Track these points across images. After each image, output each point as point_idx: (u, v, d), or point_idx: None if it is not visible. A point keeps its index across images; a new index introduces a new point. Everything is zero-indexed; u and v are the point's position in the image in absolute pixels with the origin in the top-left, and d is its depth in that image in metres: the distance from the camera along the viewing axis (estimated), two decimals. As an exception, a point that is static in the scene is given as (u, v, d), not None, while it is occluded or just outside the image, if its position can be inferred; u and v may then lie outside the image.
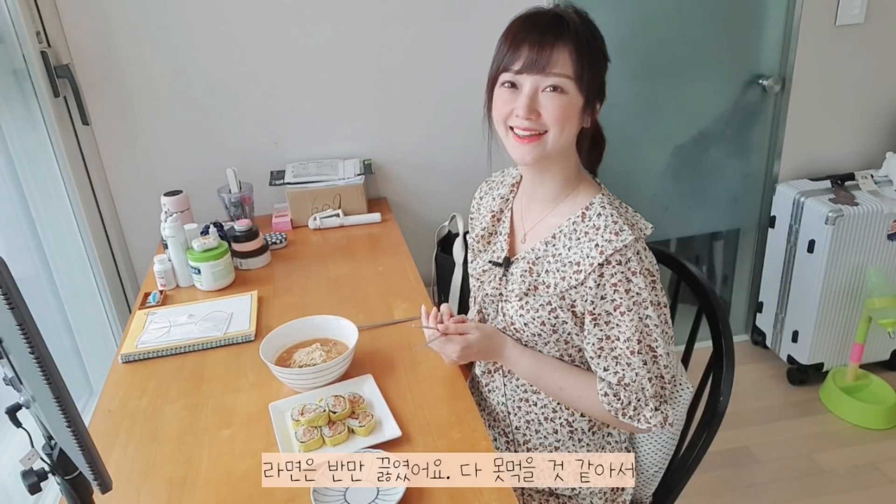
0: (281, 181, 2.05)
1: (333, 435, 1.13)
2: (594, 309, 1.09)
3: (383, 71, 2.11)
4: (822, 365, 2.45)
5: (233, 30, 1.99)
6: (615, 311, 1.08)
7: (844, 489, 2.05)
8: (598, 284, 1.07)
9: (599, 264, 1.07)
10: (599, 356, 1.12)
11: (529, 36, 1.07)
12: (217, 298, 1.63)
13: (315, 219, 2.02)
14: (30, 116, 1.78)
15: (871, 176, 2.36)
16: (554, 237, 1.15)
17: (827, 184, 2.38)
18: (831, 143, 2.48)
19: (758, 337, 2.69)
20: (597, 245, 1.08)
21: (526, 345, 1.21)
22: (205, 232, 1.74)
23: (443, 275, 2.16)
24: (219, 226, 1.85)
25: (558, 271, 1.13)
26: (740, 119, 2.43)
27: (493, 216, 1.29)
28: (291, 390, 1.28)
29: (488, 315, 1.27)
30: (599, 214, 1.11)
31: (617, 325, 1.09)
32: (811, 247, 2.29)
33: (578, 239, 1.11)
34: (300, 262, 1.83)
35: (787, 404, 2.42)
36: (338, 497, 1.04)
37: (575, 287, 1.10)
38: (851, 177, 2.38)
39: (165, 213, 1.72)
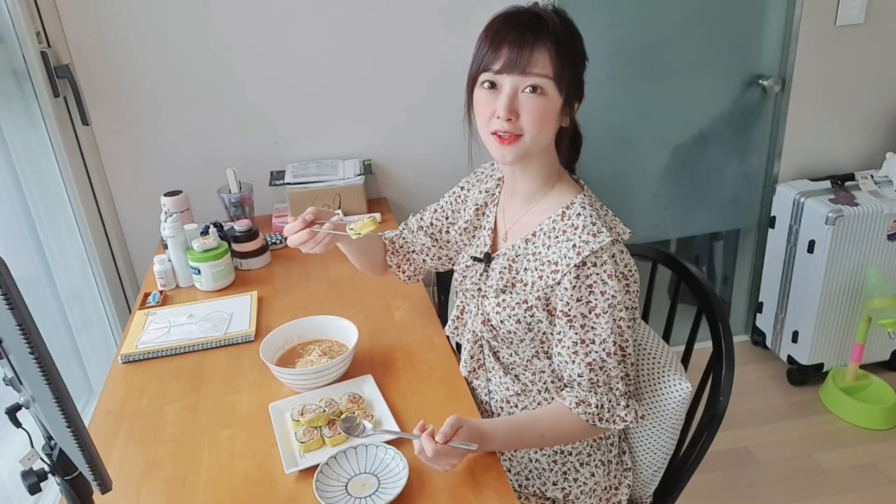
0: (281, 181, 2.05)
1: (333, 435, 1.14)
2: (569, 310, 1.09)
3: (383, 71, 2.11)
4: (822, 365, 2.45)
5: (233, 30, 1.99)
6: (590, 312, 1.09)
7: (844, 489, 2.05)
8: (574, 286, 1.08)
9: (576, 265, 1.07)
10: (573, 361, 1.11)
11: (510, 35, 1.06)
12: (217, 298, 1.63)
13: (315, 219, 2.02)
14: (30, 116, 1.78)
15: (871, 176, 2.36)
16: (534, 234, 1.16)
17: (827, 184, 2.38)
18: (831, 143, 2.48)
19: (758, 337, 2.69)
20: (574, 245, 1.08)
21: (502, 341, 1.20)
22: (205, 232, 1.74)
23: (442, 275, 2.15)
24: (219, 226, 1.85)
25: (536, 270, 1.13)
26: (740, 119, 2.43)
27: (478, 210, 1.31)
28: (291, 390, 1.28)
29: (469, 311, 1.27)
30: (579, 214, 1.11)
31: (592, 327, 1.09)
32: (811, 247, 2.29)
33: (557, 238, 1.12)
34: (300, 262, 1.83)
35: (787, 404, 2.42)
36: (340, 487, 1.04)
37: (552, 286, 1.10)
38: (851, 177, 2.38)
39: (165, 213, 1.72)
